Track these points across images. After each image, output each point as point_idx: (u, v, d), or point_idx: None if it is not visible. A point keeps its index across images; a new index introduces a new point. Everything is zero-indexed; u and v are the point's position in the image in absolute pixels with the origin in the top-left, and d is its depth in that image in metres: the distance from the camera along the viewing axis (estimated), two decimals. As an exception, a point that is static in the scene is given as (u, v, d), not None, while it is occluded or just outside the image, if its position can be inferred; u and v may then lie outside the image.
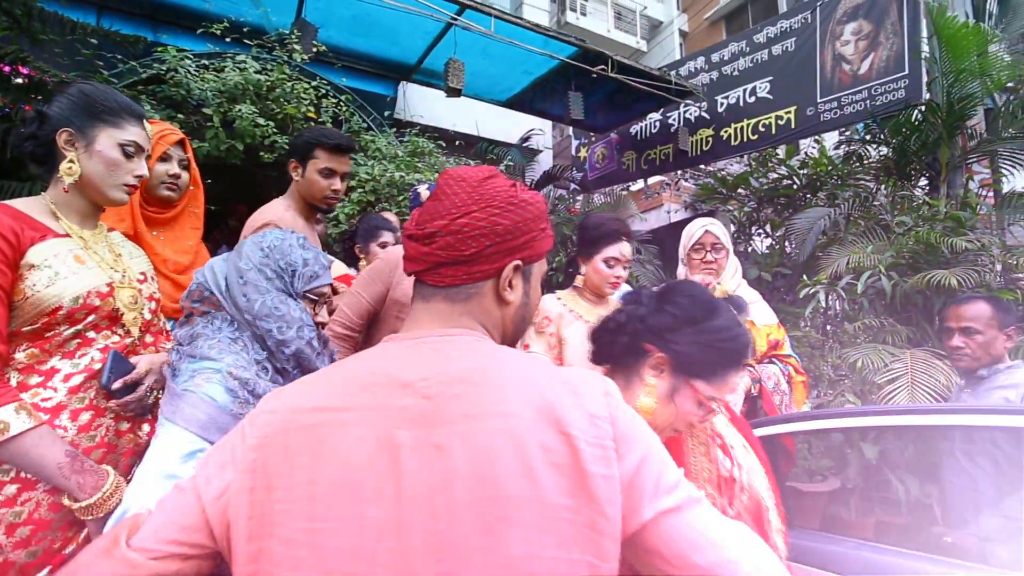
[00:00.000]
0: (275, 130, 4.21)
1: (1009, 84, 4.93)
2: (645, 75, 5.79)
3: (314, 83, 4.69)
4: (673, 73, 6.16)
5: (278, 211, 1.97)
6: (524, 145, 8.88)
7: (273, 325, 1.18)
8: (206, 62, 4.30)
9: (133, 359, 1.28)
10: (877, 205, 5.56)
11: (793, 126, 5.82)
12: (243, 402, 1.09)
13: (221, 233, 4.88)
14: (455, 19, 4.80)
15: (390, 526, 0.62)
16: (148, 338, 1.37)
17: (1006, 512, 1.84)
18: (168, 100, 4.06)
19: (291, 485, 0.66)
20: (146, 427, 1.30)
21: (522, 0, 10.83)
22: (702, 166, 7.62)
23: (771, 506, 1.20)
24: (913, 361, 3.22)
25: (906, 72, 5.00)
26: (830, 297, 4.41)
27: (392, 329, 0.96)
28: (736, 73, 6.36)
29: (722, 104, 6.45)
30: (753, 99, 6.16)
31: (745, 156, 6.79)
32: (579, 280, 2.10)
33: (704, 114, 6.64)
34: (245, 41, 4.44)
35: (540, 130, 8.99)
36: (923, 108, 5.06)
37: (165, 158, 1.73)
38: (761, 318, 2.36)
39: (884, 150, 5.81)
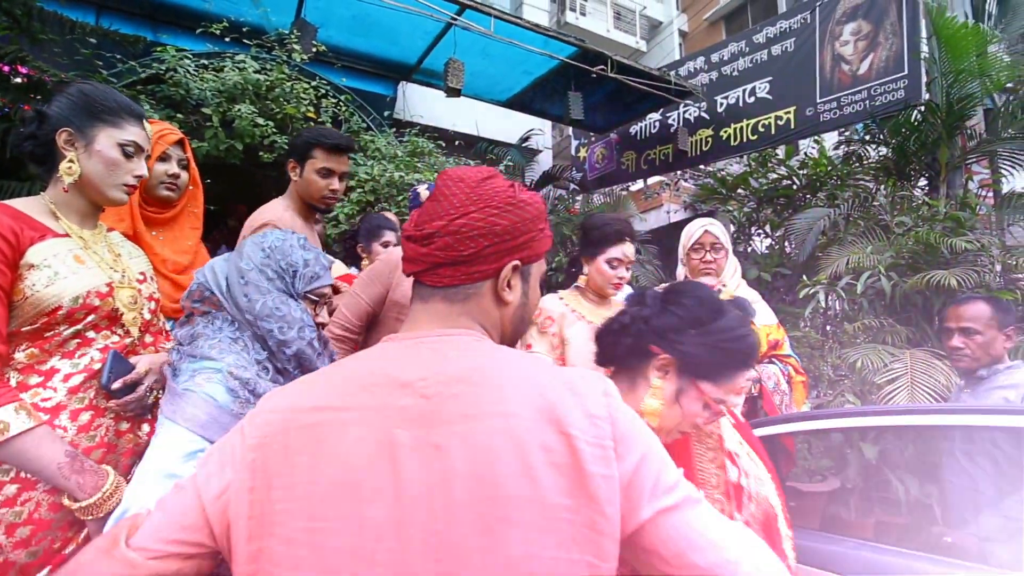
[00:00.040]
0: (274, 130, 4.21)
1: (1008, 84, 4.93)
2: (645, 75, 5.79)
3: (314, 83, 4.69)
4: (673, 73, 6.16)
5: (277, 211, 1.96)
6: (524, 145, 8.89)
7: (274, 325, 1.18)
8: (205, 62, 4.30)
9: (133, 359, 1.27)
10: (877, 205, 5.57)
11: (792, 126, 5.82)
12: (244, 402, 1.09)
13: (220, 233, 4.89)
14: (455, 19, 4.80)
15: (389, 526, 0.62)
16: (148, 338, 1.37)
17: (1006, 512, 1.84)
18: (167, 100, 4.06)
19: (291, 484, 0.66)
20: (146, 427, 1.30)
21: (522, 0, 10.83)
22: (702, 166, 7.62)
23: (779, 514, 1.20)
24: (913, 361, 3.23)
25: (905, 72, 5.01)
26: (830, 297, 4.41)
27: (392, 330, 0.96)
28: (735, 73, 6.37)
29: (722, 104, 6.45)
30: (752, 99, 6.16)
31: (744, 156, 6.79)
32: (582, 280, 2.10)
33: (704, 114, 6.64)
34: (244, 41, 4.44)
35: (540, 130, 9.00)
36: (922, 108, 5.06)
37: (164, 158, 1.73)
38: (761, 318, 2.36)
39: (883, 150, 5.82)
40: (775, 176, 6.63)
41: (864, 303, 4.26)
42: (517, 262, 0.80)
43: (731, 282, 2.40)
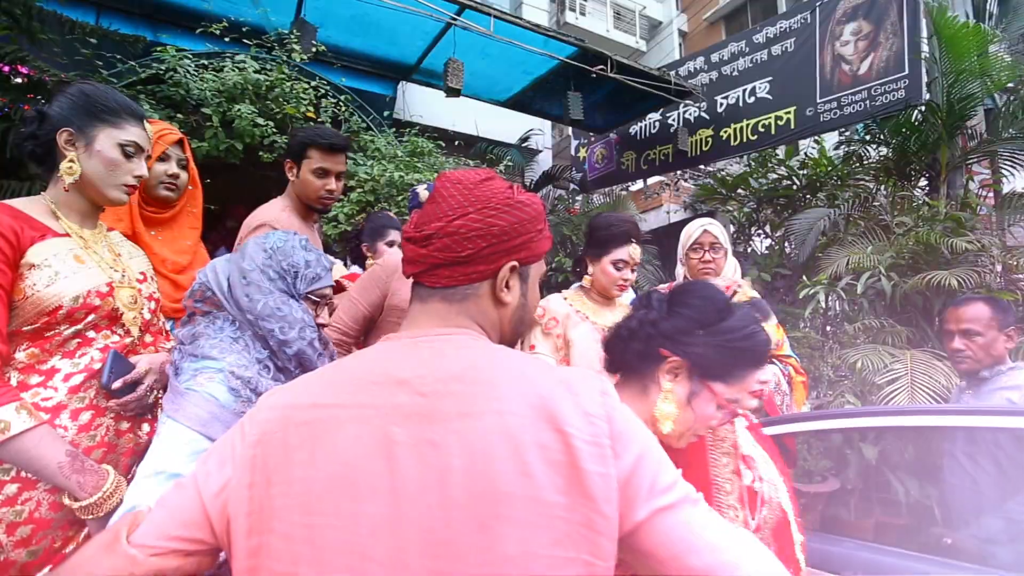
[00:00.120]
0: (274, 130, 4.21)
1: (1009, 84, 4.94)
2: (644, 75, 5.79)
3: (313, 83, 4.69)
4: (672, 73, 6.16)
5: (274, 212, 1.95)
6: (523, 145, 8.89)
7: (275, 325, 1.19)
8: (205, 62, 4.30)
9: (133, 359, 1.27)
10: (877, 206, 5.57)
11: (793, 126, 5.82)
12: (245, 401, 1.10)
13: (219, 234, 4.88)
14: (454, 19, 4.80)
15: (385, 522, 0.63)
16: (148, 338, 1.37)
17: (1007, 514, 1.84)
18: (167, 100, 4.06)
19: (289, 480, 0.66)
20: (146, 427, 1.30)
21: (521, 0, 10.83)
22: (701, 166, 7.63)
23: (791, 519, 1.19)
24: (913, 362, 3.23)
25: (906, 72, 5.00)
26: (830, 298, 4.42)
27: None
28: (735, 73, 6.36)
29: (721, 104, 6.45)
30: (753, 99, 6.16)
31: (744, 156, 6.80)
32: (586, 280, 2.08)
33: (703, 114, 6.64)
34: (244, 41, 4.44)
35: (539, 130, 9.00)
36: (923, 108, 5.07)
37: (164, 158, 1.73)
38: (762, 318, 2.36)
39: (884, 150, 5.82)
40: (775, 176, 6.63)
41: (864, 303, 4.26)
42: (515, 263, 0.80)
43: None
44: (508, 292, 0.82)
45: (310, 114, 4.54)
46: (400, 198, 4.64)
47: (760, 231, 7.10)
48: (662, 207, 9.48)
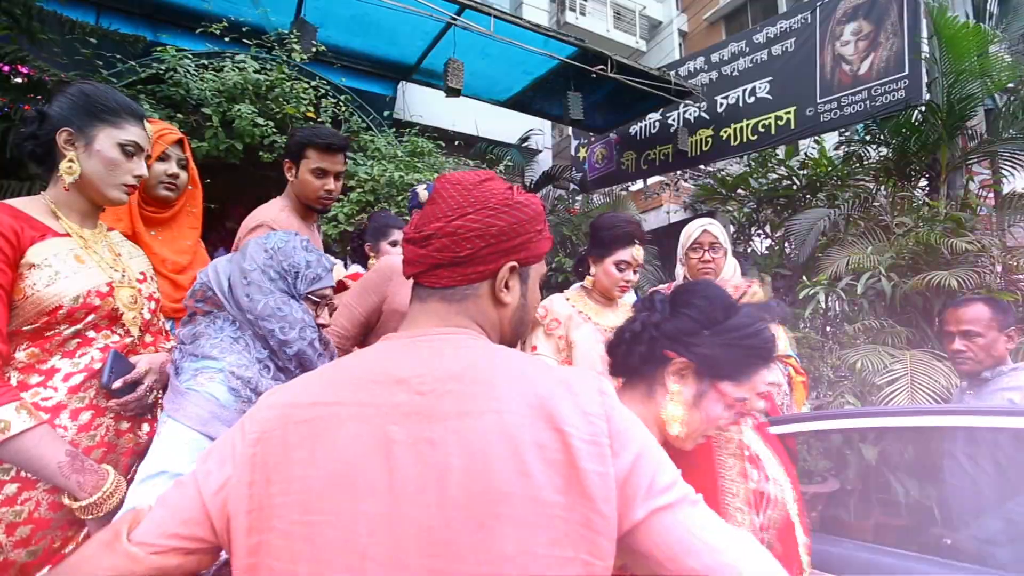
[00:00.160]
0: (274, 130, 4.21)
1: (1009, 85, 4.94)
2: (644, 75, 5.79)
3: (313, 83, 4.69)
4: (672, 73, 6.16)
5: (272, 212, 1.95)
6: (523, 145, 8.89)
7: (275, 325, 1.19)
8: (205, 62, 4.30)
9: (133, 358, 1.28)
10: (877, 206, 5.57)
11: (793, 126, 5.82)
12: (245, 400, 1.11)
13: (218, 235, 4.88)
14: (454, 19, 4.80)
15: (383, 521, 0.63)
16: (148, 338, 1.37)
17: (1007, 514, 1.84)
18: (167, 100, 4.06)
19: (288, 478, 0.66)
20: (146, 427, 1.31)
21: (521, 0, 10.83)
22: (701, 166, 7.63)
23: (797, 520, 1.18)
24: (913, 362, 3.23)
25: (906, 72, 5.00)
26: (830, 298, 4.42)
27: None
28: (736, 73, 6.36)
29: (721, 104, 6.45)
30: (753, 99, 6.16)
31: (745, 156, 6.79)
32: (588, 280, 2.07)
33: (704, 114, 6.64)
34: (244, 41, 4.44)
35: (539, 130, 9.00)
36: (923, 109, 5.07)
37: (164, 157, 1.73)
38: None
39: (884, 151, 5.82)
40: (775, 176, 6.64)
41: (864, 304, 4.26)
42: (515, 263, 0.80)
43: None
44: (508, 292, 0.81)
45: (310, 114, 4.54)
46: (400, 198, 4.64)
47: (760, 231, 7.10)
48: (662, 207, 9.48)
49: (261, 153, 4.21)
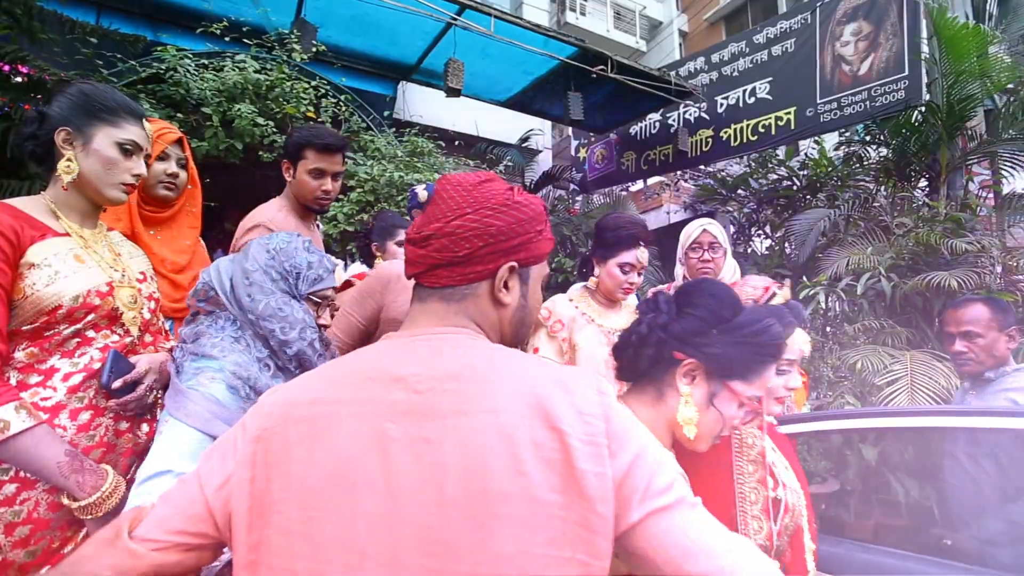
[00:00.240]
0: (274, 130, 4.21)
1: (1009, 85, 4.94)
2: (645, 75, 5.79)
3: (313, 83, 4.69)
4: (673, 73, 6.16)
5: (270, 212, 1.94)
6: (523, 145, 8.88)
7: (276, 326, 1.19)
8: (205, 61, 4.30)
9: (133, 358, 1.27)
10: (877, 206, 5.58)
11: (793, 127, 5.82)
12: (245, 399, 1.11)
13: (216, 237, 4.88)
14: (455, 19, 4.80)
15: (381, 519, 0.63)
16: (147, 337, 1.37)
17: (1007, 515, 1.84)
18: (167, 99, 4.06)
19: (288, 475, 0.67)
20: (145, 427, 1.30)
21: (522, 0, 10.83)
22: (702, 167, 7.63)
23: (806, 526, 1.17)
24: (913, 363, 3.23)
25: (906, 73, 5.00)
26: (830, 298, 4.42)
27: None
28: (736, 74, 6.37)
29: (722, 105, 6.45)
30: (753, 100, 6.16)
31: (745, 157, 6.79)
32: (591, 281, 2.05)
33: (704, 115, 6.64)
34: (244, 41, 4.44)
35: (539, 130, 9.00)
36: (923, 109, 5.07)
37: (163, 157, 1.72)
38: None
39: (884, 151, 5.83)
40: (775, 177, 6.64)
41: (864, 304, 4.26)
42: (514, 264, 0.80)
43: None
44: (507, 293, 0.81)
45: (310, 114, 4.54)
46: (400, 198, 4.64)
47: (760, 232, 7.11)
48: (662, 207, 9.48)
49: (261, 153, 4.22)
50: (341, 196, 4.53)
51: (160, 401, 1.31)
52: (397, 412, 0.67)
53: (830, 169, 6.21)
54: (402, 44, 5.70)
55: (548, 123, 9.22)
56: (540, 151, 9.41)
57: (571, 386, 0.69)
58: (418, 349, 0.75)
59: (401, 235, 2.68)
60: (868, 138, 6.07)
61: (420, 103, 7.07)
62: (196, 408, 1.07)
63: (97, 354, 1.23)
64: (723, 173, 7.49)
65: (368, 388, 0.70)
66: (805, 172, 6.38)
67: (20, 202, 1.22)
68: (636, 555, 0.67)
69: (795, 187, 6.42)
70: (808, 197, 6.30)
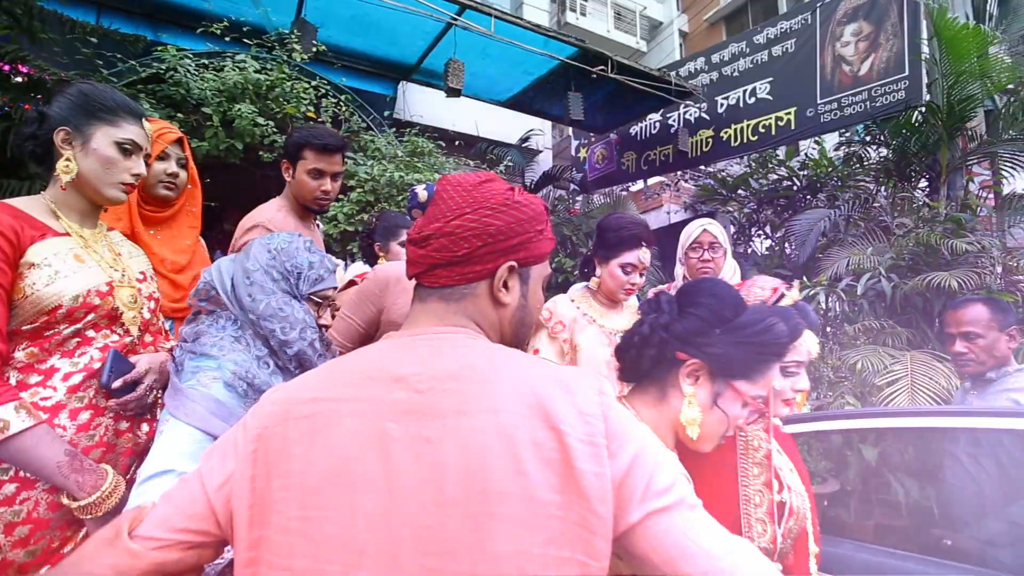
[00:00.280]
0: (274, 129, 4.22)
1: (1009, 86, 4.94)
2: (645, 76, 5.79)
3: (314, 83, 4.70)
4: (673, 74, 6.16)
5: (269, 212, 1.94)
6: (523, 145, 8.89)
7: (277, 326, 1.19)
8: (206, 61, 4.30)
9: (133, 358, 1.27)
10: (877, 207, 5.58)
11: (793, 127, 5.82)
12: (245, 398, 1.11)
13: (216, 237, 4.88)
14: (455, 19, 4.80)
15: (380, 518, 0.63)
16: (147, 337, 1.37)
17: (1010, 516, 1.83)
18: (168, 99, 4.06)
19: (287, 474, 0.67)
20: (145, 427, 1.30)
21: (522, 0, 10.83)
22: (702, 167, 7.63)
23: (810, 530, 1.17)
24: (913, 363, 3.23)
25: (906, 73, 5.01)
26: (830, 299, 4.42)
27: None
28: (736, 74, 6.37)
29: (722, 105, 6.45)
30: (753, 100, 6.17)
31: (745, 157, 6.79)
32: (593, 281, 2.04)
33: (704, 115, 6.64)
34: (245, 41, 4.45)
35: (540, 130, 9.00)
36: (923, 109, 5.07)
37: (163, 157, 1.72)
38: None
39: (884, 151, 5.83)
40: (775, 177, 6.64)
41: (864, 304, 4.26)
42: (513, 263, 0.80)
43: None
44: (507, 293, 0.81)
45: (310, 114, 4.54)
46: (400, 198, 4.64)
47: (760, 232, 7.11)
48: (662, 208, 9.48)
49: (261, 153, 4.22)
50: (341, 196, 4.53)
51: (160, 401, 1.31)
52: (397, 411, 0.68)
53: (830, 169, 6.21)
54: (402, 44, 5.70)
55: (548, 123, 9.22)
56: (540, 151, 9.41)
57: (571, 386, 0.69)
58: (418, 348, 0.75)
59: (404, 235, 2.67)
60: (868, 138, 6.08)
61: (420, 103, 7.07)
62: (197, 407, 1.07)
63: (97, 354, 1.22)
64: (723, 173, 7.49)
65: (369, 387, 0.71)
66: (805, 172, 6.38)
67: (20, 202, 1.22)
68: (636, 556, 0.67)
69: (795, 187, 6.43)
70: (808, 197, 6.31)
